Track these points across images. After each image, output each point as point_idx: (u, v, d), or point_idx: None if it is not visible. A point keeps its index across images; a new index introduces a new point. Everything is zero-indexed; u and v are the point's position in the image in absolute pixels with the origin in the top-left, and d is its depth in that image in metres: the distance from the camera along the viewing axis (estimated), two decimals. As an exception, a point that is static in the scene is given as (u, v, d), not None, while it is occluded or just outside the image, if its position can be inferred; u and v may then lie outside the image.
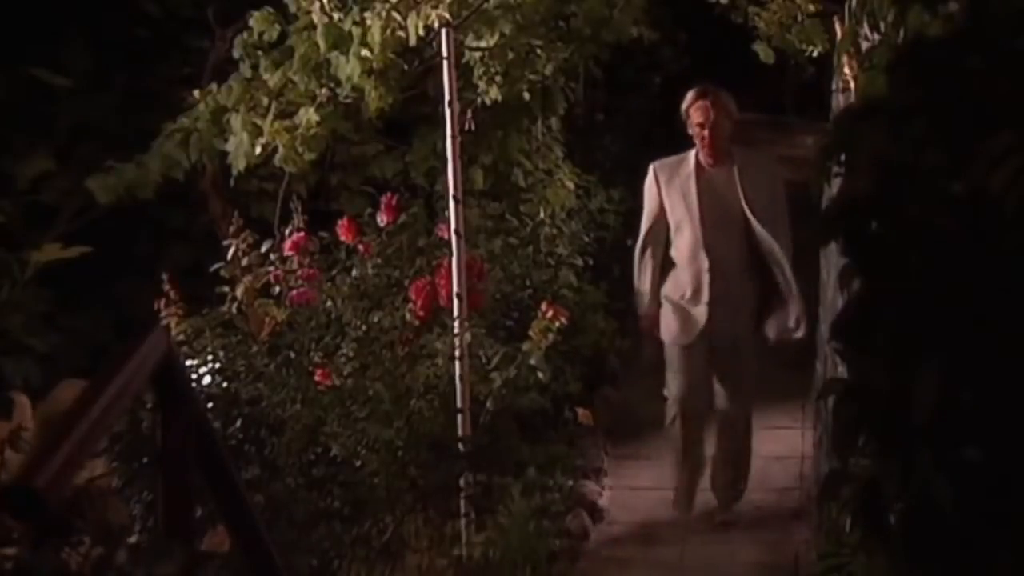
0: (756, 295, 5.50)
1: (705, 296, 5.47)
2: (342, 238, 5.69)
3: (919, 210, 1.77)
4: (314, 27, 5.36)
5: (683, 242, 5.52)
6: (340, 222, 5.73)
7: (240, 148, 5.52)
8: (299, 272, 5.59)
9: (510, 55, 5.97)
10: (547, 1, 5.95)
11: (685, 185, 5.48)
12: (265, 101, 5.51)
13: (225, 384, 5.10)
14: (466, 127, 5.87)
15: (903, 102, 1.86)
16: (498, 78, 6.00)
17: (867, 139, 1.87)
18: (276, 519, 4.60)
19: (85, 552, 2.44)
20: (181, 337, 5.21)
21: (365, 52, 5.17)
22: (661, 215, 5.55)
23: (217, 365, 5.16)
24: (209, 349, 5.20)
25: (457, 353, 5.23)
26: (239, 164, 5.56)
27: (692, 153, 5.51)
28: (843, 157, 1.96)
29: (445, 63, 5.22)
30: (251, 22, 5.67)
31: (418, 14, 5.06)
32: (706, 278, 5.46)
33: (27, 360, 6.12)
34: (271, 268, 5.62)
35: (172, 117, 5.98)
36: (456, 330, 5.24)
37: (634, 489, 6.14)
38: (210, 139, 5.77)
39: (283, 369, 5.15)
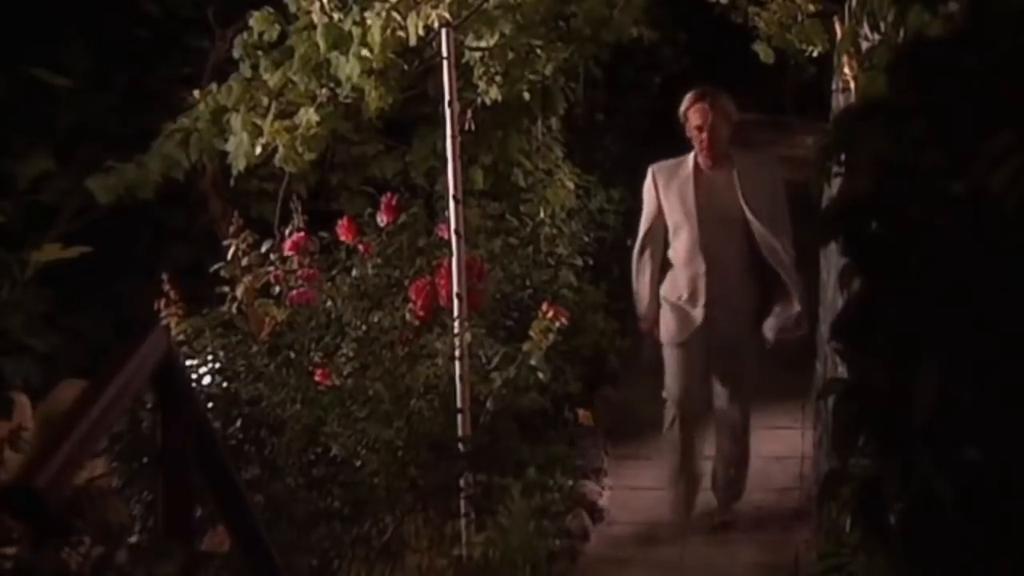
0: (756, 296, 5.49)
1: (702, 298, 5.46)
2: (342, 238, 5.69)
3: (919, 210, 1.77)
4: (314, 27, 5.36)
5: (681, 245, 5.51)
6: (340, 222, 5.72)
7: (240, 148, 5.52)
8: (299, 272, 5.59)
9: (510, 55, 5.96)
10: (547, 1, 5.95)
11: (683, 188, 5.46)
12: (265, 101, 5.51)
13: (225, 384, 5.10)
14: (466, 127, 5.86)
15: (903, 102, 1.86)
16: (498, 78, 6.00)
17: (867, 139, 1.87)
18: (276, 519, 4.60)
19: (85, 552, 2.43)
20: (181, 337, 5.21)
21: (365, 52, 5.17)
22: (659, 217, 5.54)
23: (217, 365, 5.16)
24: (209, 349, 5.20)
25: (457, 353, 5.23)
26: (239, 164, 5.56)
27: (691, 156, 5.49)
28: (843, 157, 1.96)
29: (445, 63, 5.22)
30: (251, 22, 5.66)
31: (418, 14, 5.06)
32: (703, 281, 5.45)
33: (27, 360, 6.11)
34: (271, 268, 5.61)
35: (172, 117, 5.97)
36: (456, 330, 5.24)
37: (634, 489, 6.14)
38: (210, 139, 5.76)
39: (283, 369, 5.15)
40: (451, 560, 5.09)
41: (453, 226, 5.31)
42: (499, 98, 6.08)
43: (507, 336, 5.98)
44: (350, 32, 5.24)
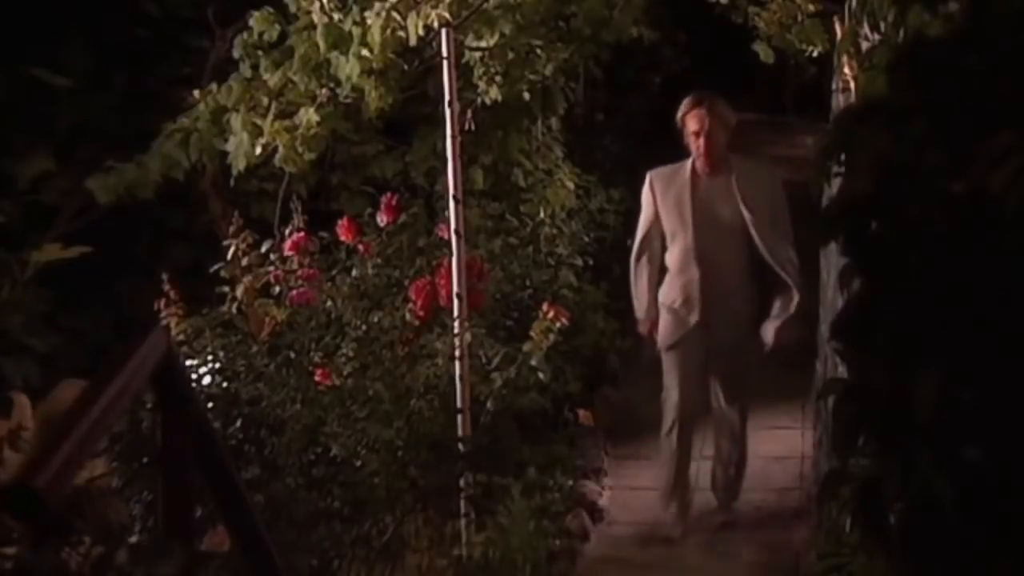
0: (755, 298, 5.46)
1: (697, 304, 5.43)
2: (342, 238, 5.69)
3: (919, 210, 1.77)
4: (314, 27, 5.36)
5: (676, 251, 5.48)
6: (340, 222, 5.72)
7: (240, 148, 5.52)
8: (299, 272, 5.59)
9: (510, 55, 5.96)
10: (547, 1, 5.95)
11: (680, 194, 5.42)
12: (265, 101, 5.51)
13: (225, 384, 5.10)
14: (466, 127, 5.87)
15: (903, 102, 1.86)
16: (498, 78, 6.00)
17: (867, 139, 1.87)
18: (276, 519, 4.59)
19: (85, 552, 2.43)
20: (181, 337, 5.21)
21: (365, 52, 5.17)
22: (655, 224, 5.51)
23: (217, 365, 5.16)
24: (209, 349, 5.20)
25: (457, 353, 5.22)
26: (239, 164, 5.56)
27: (688, 162, 5.43)
28: (843, 157, 1.96)
29: (445, 63, 5.22)
30: (251, 22, 5.67)
31: (418, 14, 5.06)
32: (697, 287, 5.41)
33: (27, 360, 6.11)
34: (271, 268, 5.62)
35: (172, 117, 5.97)
36: (456, 330, 5.24)
37: (634, 489, 6.14)
38: (210, 139, 5.76)
39: (283, 369, 5.15)
40: (451, 560, 5.09)
41: (453, 226, 5.31)
42: (499, 98, 6.08)
43: (507, 336, 5.98)
44: (350, 32, 5.24)
